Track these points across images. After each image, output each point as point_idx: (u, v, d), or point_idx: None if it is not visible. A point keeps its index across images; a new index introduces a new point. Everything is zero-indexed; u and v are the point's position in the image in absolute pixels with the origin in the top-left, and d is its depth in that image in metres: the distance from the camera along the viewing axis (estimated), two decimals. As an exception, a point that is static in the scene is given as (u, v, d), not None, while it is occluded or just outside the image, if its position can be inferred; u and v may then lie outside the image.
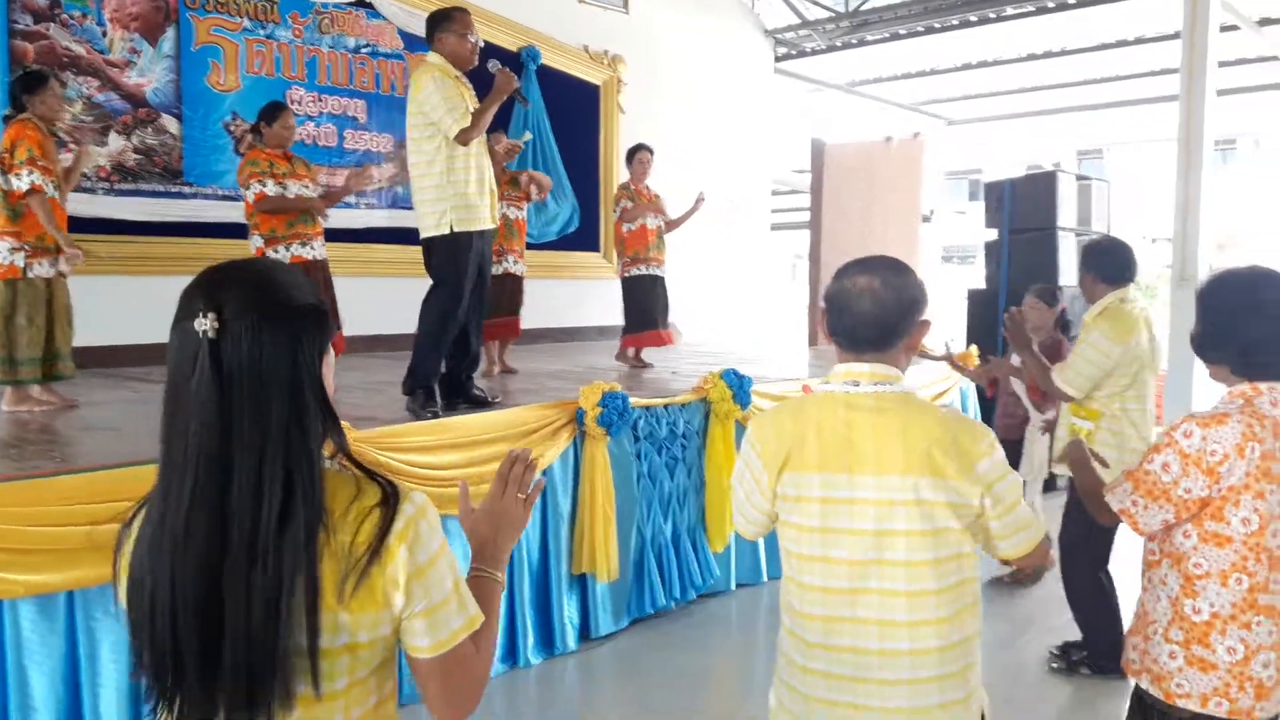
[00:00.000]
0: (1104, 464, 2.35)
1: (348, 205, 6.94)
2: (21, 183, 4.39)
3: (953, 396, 6.69)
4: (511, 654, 4.13)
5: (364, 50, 7.73)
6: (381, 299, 7.12)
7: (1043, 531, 1.82)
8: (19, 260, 4.48)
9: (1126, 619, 2.42)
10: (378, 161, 7.82)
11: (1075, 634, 4.13)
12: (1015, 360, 4.26)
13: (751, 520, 1.91)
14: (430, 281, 4.38)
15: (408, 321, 7.22)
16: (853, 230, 8.75)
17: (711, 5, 10.82)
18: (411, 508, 1.18)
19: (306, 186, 5.11)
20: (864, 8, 10.79)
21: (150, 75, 6.61)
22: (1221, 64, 8.37)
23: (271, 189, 4.92)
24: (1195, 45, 7.94)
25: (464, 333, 4.44)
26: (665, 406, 4.74)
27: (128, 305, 5.83)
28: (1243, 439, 1.94)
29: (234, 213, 5.74)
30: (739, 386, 4.88)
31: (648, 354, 6.77)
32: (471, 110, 4.18)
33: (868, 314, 1.76)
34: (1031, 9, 9.79)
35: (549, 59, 9.11)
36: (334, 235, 5.50)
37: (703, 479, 4.88)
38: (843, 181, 8.62)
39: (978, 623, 1.79)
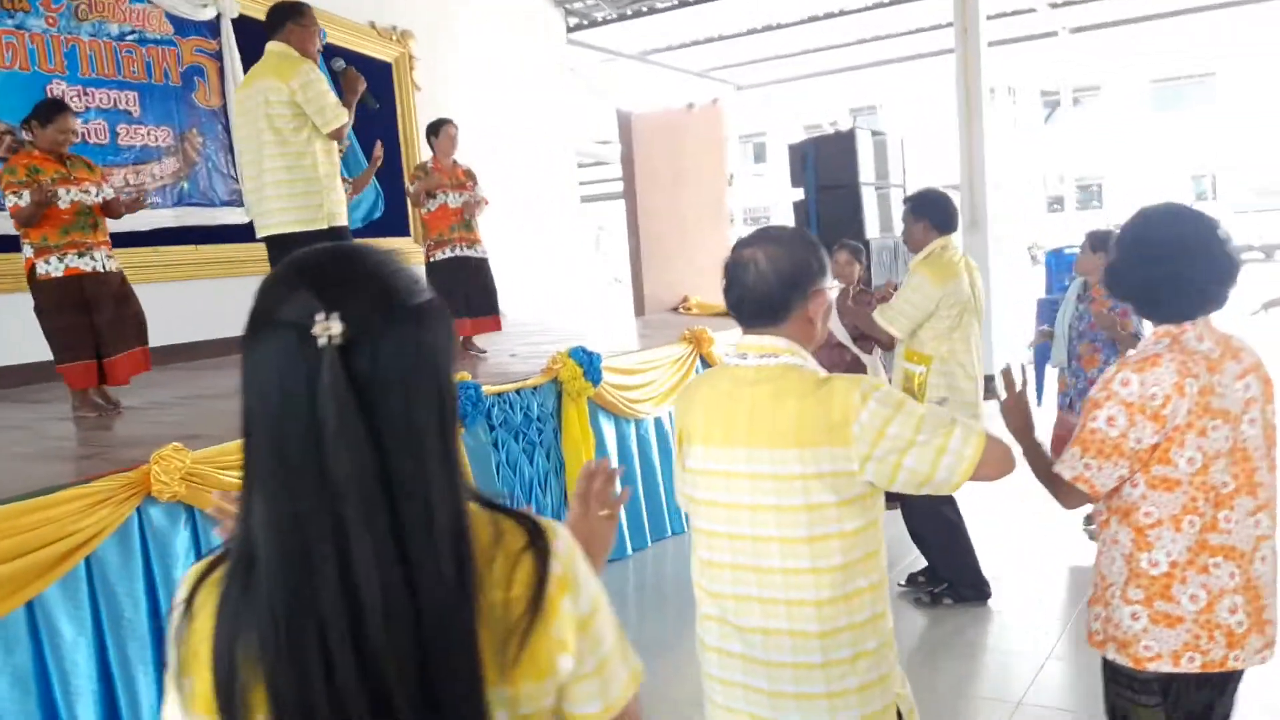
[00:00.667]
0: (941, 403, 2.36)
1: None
2: None
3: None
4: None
5: (130, 38, 7.02)
6: (174, 305, 6.58)
7: (978, 433, 1.65)
8: None
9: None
10: (157, 157, 7.16)
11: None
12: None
13: (679, 494, 1.88)
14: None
15: (204, 328, 6.72)
16: (665, 198, 8.83)
17: (498, -25, 10.57)
18: (563, 545, 0.94)
19: (87, 191, 4.55)
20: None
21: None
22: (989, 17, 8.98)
23: (27, 201, 4.32)
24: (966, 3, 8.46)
25: None
26: (518, 391, 4.61)
27: None
28: (1179, 376, 1.85)
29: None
30: (589, 364, 4.81)
31: (481, 340, 6.57)
32: None
33: (751, 287, 1.73)
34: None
35: (335, 37, 8.58)
36: (116, 240, 4.95)
37: (562, 461, 4.79)
38: (652, 151, 8.67)
39: (875, 609, 1.68)
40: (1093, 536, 4.96)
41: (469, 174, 6.53)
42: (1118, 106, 29.18)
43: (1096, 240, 4.76)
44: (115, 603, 3.10)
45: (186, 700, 0.89)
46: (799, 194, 7.90)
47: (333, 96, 4.05)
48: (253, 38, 7.82)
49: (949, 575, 4.27)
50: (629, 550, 5.19)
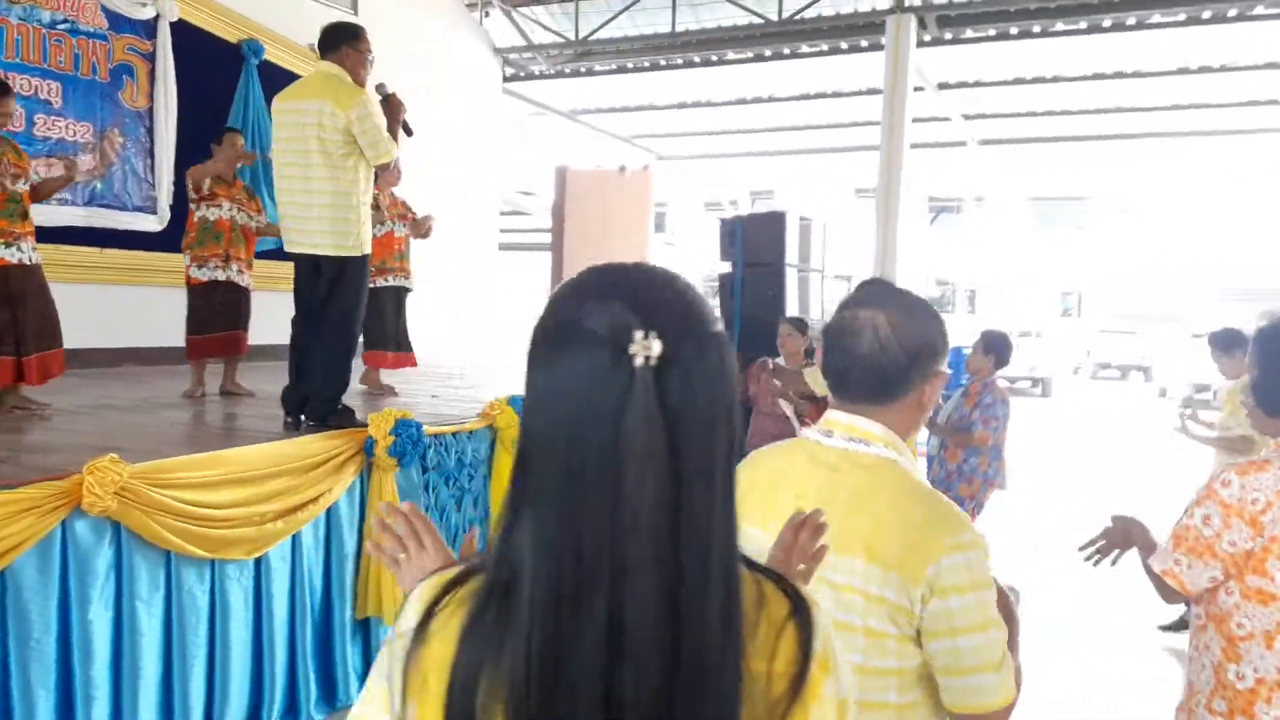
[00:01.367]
0: None
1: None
2: None
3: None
4: (293, 709, 3.74)
5: (61, 26, 6.72)
6: (74, 308, 6.19)
7: (1008, 692, 1.36)
8: None
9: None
10: (73, 152, 6.82)
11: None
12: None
13: None
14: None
15: (104, 335, 6.37)
16: (591, 254, 8.88)
17: (442, 14, 10.58)
18: (823, 617, 0.85)
19: (16, 178, 4.33)
20: (592, 38, 11.03)
21: None
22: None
23: None
24: (895, 108, 8.91)
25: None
26: (454, 434, 4.52)
27: None
28: None
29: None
30: (526, 413, 4.74)
31: (390, 379, 6.41)
32: None
33: (864, 356, 1.44)
34: (750, 56, 10.50)
35: (272, 55, 8.45)
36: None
37: (488, 510, 4.70)
38: (584, 206, 8.75)
39: None
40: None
41: (407, 206, 6.51)
42: (999, 218, 30.97)
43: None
44: (25, 622, 2.88)
45: None
46: (725, 267, 8.07)
47: (385, 130, 4.08)
48: (191, 42, 7.62)
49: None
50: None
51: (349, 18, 9.37)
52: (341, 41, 4.17)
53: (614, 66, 11.27)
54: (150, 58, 7.39)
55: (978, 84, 10.91)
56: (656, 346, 0.76)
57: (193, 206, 5.60)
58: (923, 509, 1.39)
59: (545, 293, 9.68)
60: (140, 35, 7.30)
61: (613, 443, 0.75)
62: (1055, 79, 10.49)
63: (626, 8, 10.25)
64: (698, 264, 27.40)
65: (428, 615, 0.85)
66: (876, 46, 9.37)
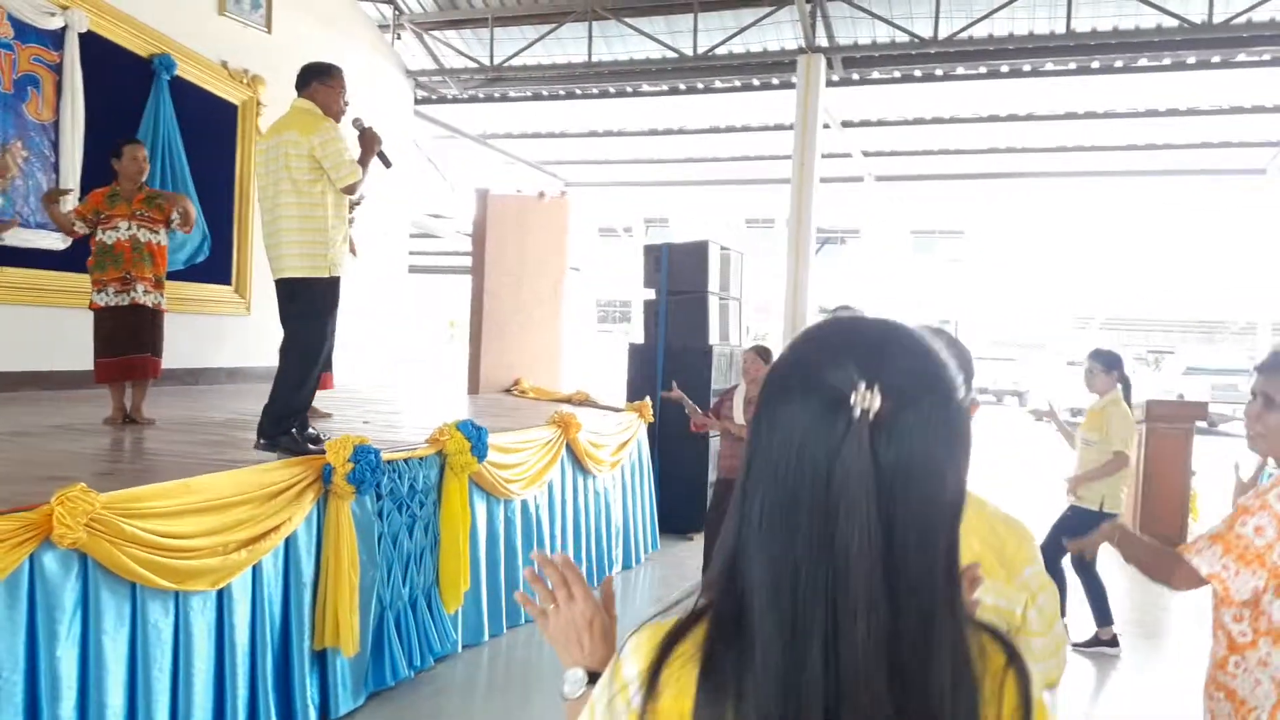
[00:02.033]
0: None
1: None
2: None
3: (632, 445, 7.05)
4: (252, 745, 3.64)
5: (-36, 32, 6.41)
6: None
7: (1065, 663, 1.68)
8: None
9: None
10: (-27, 164, 6.47)
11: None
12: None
13: None
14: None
15: (6, 358, 6.09)
16: (510, 280, 8.91)
17: (353, 36, 10.46)
18: (1035, 667, 0.91)
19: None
20: (505, 64, 11.07)
21: None
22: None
23: None
24: (805, 143, 9.25)
25: None
26: (406, 461, 4.48)
27: None
28: None
29: None
30: (477, 438, 4.75)
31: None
32: None
33: None
34: (665, 88, 10.73)
35: (185, 71, 8.21)
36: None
37: (437, 537, 4.67)
38: (504, 231, 8.76)
39: None
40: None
41: None
42: (880, 249, 32.21)
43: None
44: (-7, 660, 2.74)
45: None
46: (650, 294, 8.21)
47: (349, 155, 4.24)
48: (100, 54, 7.35)
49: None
50: (485, 636, 5.09)
51: (263, 35, 9.25)
52: (311, 78, 4.44)
53: (529, 94, 11.33)
54: (57, 69, 7.10)
55: (881, 123, 11.42)
56: (876, 400, 0.78)
57: (88, 230, 5.44)
58: (1002, 524, 1.63)
59: (466, 313, 9.66)
60: (47, 46, 7.01)
61: (825, 490, 0.78)
62: (953, 119, 11.07)
63: (541, 37, 10.34)
64: (597, 289, 27.61)
65: (655, 668, 0.85)
66: (787, 84, 9.71)
